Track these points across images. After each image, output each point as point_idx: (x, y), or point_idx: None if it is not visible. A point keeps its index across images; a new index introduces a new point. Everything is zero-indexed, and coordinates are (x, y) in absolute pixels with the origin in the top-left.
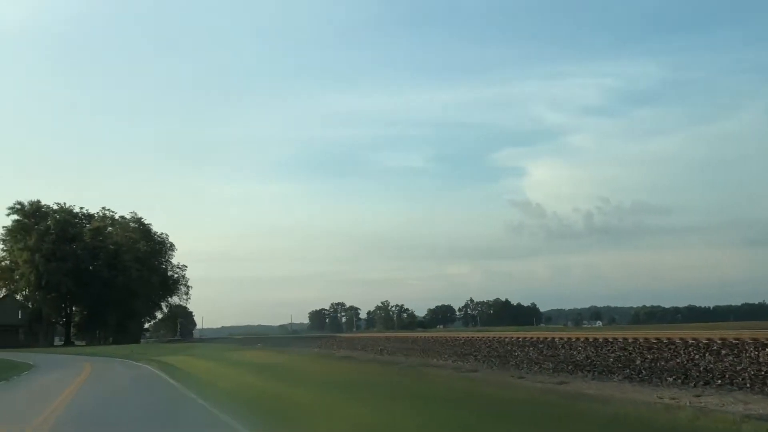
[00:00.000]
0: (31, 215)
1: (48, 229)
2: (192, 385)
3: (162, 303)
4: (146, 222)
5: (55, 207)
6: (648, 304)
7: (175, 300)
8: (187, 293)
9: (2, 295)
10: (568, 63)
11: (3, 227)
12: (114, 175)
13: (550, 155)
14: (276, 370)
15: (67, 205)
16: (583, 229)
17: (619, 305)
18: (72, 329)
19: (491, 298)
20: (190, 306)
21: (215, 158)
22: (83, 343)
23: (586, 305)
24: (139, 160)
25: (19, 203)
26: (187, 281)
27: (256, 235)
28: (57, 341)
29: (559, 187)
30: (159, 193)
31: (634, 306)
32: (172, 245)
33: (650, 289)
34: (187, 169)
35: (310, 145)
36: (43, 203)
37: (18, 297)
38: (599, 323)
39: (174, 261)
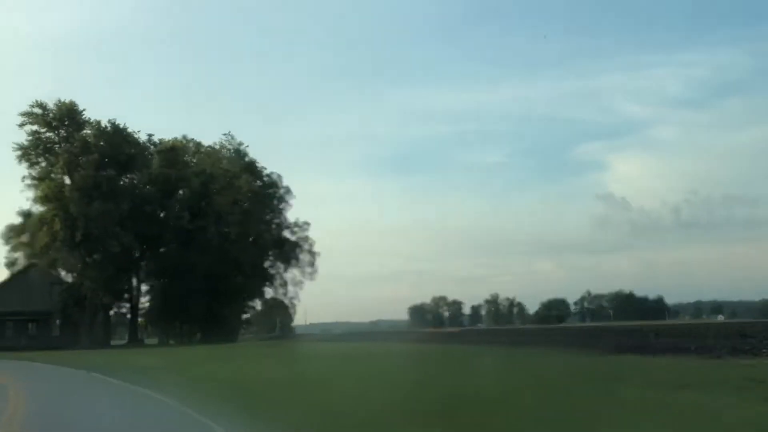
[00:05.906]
0: (60, 125)
1: (86, 146)
2: None
3: (275, 277)
4: (248, 152)
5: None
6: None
7: (293, 274)
8: (312, 264)
9: (24, 264)
10: (652, 53)
11: (15, 145)
12: None
13: (636, 148)
14: None
15: (123, 126)
16: (672, 222)
17: (726, 299)
18: (139, 320)
19: (610, 291)
20: (307, 289)
21: (296, 156)
22: (156, 341)
23: (692, 299)
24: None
25: (40, 104)
26: (312, 245)
27: (342, 232)
28: (120, 338)
29: (646, 180)
30: None
31: (746, 300)
32: (288, 190)
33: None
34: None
35: (392, 142)
36: (82, 110)
37: (39, 263)
38: (721, 317)
39: (290, 217)
